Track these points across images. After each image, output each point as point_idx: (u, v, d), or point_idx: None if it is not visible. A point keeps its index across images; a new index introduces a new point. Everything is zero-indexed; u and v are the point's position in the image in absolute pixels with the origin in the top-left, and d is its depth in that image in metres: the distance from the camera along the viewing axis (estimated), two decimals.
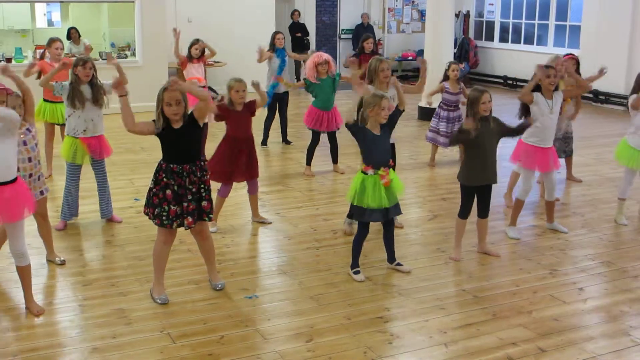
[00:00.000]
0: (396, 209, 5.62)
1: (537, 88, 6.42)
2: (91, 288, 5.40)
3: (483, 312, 5.09)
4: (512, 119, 6.19)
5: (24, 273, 4.94)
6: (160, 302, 5.12)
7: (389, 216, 5.59)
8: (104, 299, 5.19)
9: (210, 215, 5.15)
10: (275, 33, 10.36)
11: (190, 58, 9.59)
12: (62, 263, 5.82)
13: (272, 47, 10.16)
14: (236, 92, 6.41)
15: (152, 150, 9.81)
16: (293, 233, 6.71)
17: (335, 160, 9.01)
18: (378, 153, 5.47)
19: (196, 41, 9.66)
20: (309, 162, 8.88)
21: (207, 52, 9.73)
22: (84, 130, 6.55)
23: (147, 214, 5.08)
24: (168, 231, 5.08)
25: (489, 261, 6.06)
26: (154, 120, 4.95)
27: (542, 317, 5.01)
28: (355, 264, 5.70)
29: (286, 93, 10.32)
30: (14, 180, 4.69)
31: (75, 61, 6.52)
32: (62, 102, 8.47)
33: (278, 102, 10.29)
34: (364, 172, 5.49)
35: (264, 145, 10.31)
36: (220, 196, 6.62)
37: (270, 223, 6.93)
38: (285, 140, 10.56)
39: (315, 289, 5.44)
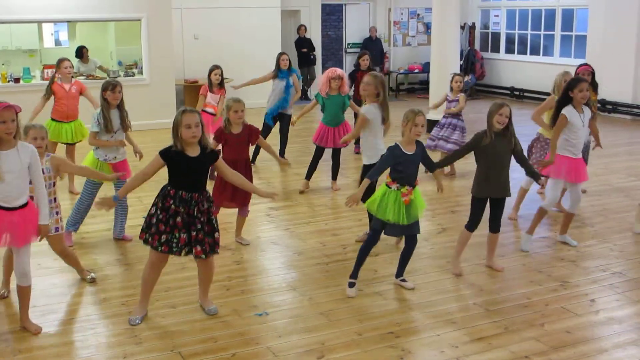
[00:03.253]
0: (415, 227, 5.59)
1: (569, 101, 6.42)
2: (101, 308, 5.40)
3: (495, 325, 5.06)
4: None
5: (24, 293, 4.93)
6: (130, 322, 5.06)
7: (406, 232, 5.59)
8: (114, 319, 5.18)
9: (217, 250, 5.08)
10: (280, 54, 10.28)
11: (210, 87, 9.54)
12: (92, 280, 5.84)
13: (277, 67, 10.14)
14: (234, 112, 6.38)
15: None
16: (302, 249, 6.70)
17: (334, 177, 8.98)
18: (405, 172, 5.47)
19: (215, 67, 9.61)
20: (308, 177, 8.87)
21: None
22: (115, 157, 6.66)
23: (145, 240, 4.96)
24: (161, 257, 5.01)
25: (499, 274, 6.03)
26: (168, 153, 4.90)
27: (555, 330, 4.98)
28: (354, 274, 5.66)
29: (284, 113, 10.22)
30: (25, 205, 4.75)
31: (104, 85, 6.56)
32: (69, 122, 8.55)
33: (279, 120, 10.23)
34: (388, 186, 5.50)
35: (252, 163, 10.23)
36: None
37: (248, 244, 6.81)
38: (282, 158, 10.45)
39: (326, 304, 5.42)
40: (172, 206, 4.87)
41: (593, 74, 7.85)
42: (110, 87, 6.49)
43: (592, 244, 6.78)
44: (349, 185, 8.95)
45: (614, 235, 7.03)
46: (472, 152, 5.91)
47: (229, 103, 6.43)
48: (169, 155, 4.87)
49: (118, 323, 5.10)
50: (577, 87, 6.39)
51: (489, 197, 5.91)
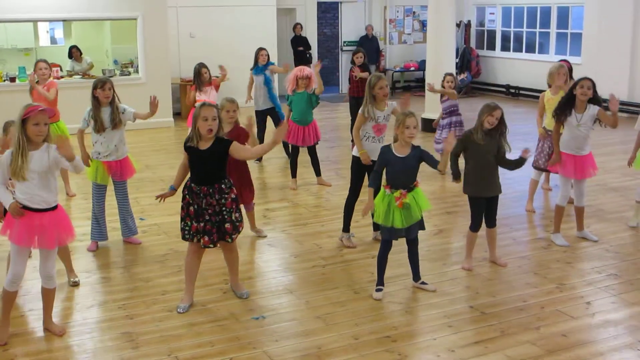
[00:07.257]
0: (413, 230, 5.60)
1: (572, 99, 6.54)
2: (98, 311, 5.41)
3: (491, 329, 5.07)
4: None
5: (49, 295, 4.99)
6: (178, 310, 5.30)
7: (409, 235, 5.60)
8: (111, 322, 5.19)
9: (233, 237, 5.30)
10: (259, 50, 10.26)
11: (200, 85, 9.32)
12: (75, 285, 5.84)
13: (256, 63, 10.19)
14: (227, 112, 6.37)
15: (156, 169, 9.86)
16: (299, 251, 6.71)
17: (318, 173, 9.18)
18: (397, 175, 5.48)
19: (203, 65, 9.45)
20: (293, 175, 9.08)
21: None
22: (107, 155, 6.56)
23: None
24: (194, 245, 5.33)
25: (495, 276, 6.05)
26: (185, 146, 5.20)
27: (550, 333, 5.00)
28: (380, 282, 5.68)
29: (271, 109, 10.22)
30: (55, 208, 4.78)
31: (94, 83, 6.47)
32: (50, 124, 8.43)
33: (269, 116, 10.27)
34: (385, 190, 5.51)
35: (257, 161, 10.27)
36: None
37: (266, 236, 7.06)
38: (287, 154, 10.48)
39: (322, 308, 5.43)
40: (187, 196, 5.22)
41: (570, 70, 8.01)
42: (100, 84, 6.40)
43: (587, 245, 6.80)
44: (346, 186, 8.93)
45: (609, 235, 7.05)
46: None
47: (222, 102, 6.47)
48: (185, 147, 5.19)
49: (115, 327, 5.10)
50: (578, 84, 6.56)
51: (483, 195, 6.00)
